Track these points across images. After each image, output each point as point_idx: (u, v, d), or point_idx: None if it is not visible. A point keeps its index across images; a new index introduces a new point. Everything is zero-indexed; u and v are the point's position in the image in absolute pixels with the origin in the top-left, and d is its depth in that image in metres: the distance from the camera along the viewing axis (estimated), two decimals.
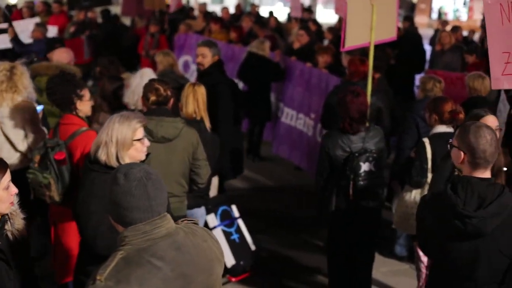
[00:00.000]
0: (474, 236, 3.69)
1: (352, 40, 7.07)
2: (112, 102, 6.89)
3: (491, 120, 5.30)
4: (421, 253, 6.30)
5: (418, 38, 15.32)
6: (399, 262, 7.77)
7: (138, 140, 4.38)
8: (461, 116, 6.15)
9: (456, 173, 5.06)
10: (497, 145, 3.86)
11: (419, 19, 37.85)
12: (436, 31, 18.59)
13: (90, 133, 5.39)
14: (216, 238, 3.23)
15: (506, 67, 5.26)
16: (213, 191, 7.46)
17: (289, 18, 19.99)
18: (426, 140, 6.19)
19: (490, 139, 3.80)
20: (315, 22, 17.23)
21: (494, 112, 5.88)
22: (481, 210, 3.67)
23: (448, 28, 17.58)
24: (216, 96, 7.56)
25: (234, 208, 7.50)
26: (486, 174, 3.83)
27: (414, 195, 6.35)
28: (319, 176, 6.38)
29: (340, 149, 6.17)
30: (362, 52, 8.99)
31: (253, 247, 7.41)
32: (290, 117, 10.89)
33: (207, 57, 7.95)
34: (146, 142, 4.44)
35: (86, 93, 5.63)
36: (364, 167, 6.12)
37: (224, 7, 20.69)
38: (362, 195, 6.17)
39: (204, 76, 7.92)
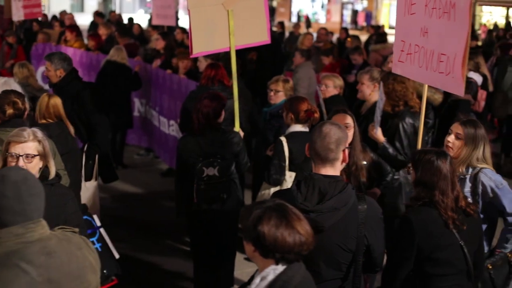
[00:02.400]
0: (314, 231, 3.77)
1: (203, 46, 7.04)
2: None
3: (340, 118, 5.48)
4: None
5: (277, 41, 15.63)
6: None
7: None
8: (316, 115, 6.34)
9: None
10: (341, 143, 3.91)
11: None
12: (291, 33, 19.02)
13: None
14: (94, 248, 3.24)
15: (401, 55, 5.67)
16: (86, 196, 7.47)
17: (150, 24, 19.90)
18: (283, 139, 6.31)
19: (328, 137, 3.87)
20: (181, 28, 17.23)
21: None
22: (319, 205, 3.76)
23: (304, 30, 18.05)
24: (82, 103, 7.56)
25: (95, 217, 7.38)
26: (331, 171, 3.89)
27: (273, 192, 6.45)
28: (177, 179, 6.41)
29: (190, 152, 6.24)
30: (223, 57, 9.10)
31: (117, 255, 7.32)
32: (163, 124, 10.89)
33: (51, 70, 7.78)
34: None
35: None
36: (207, 171, 6.19)
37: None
38: (205, 199, 6.24)
39: (63, 87, 7.76)
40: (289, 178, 6.28)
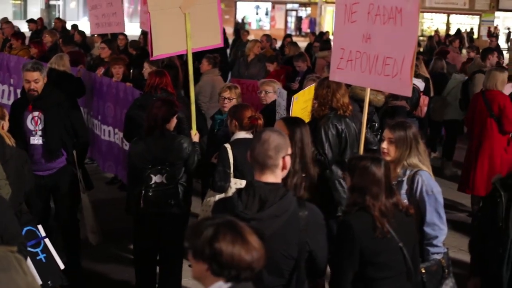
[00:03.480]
0: None
1: (163, 48, 7.14)
2: None
3: (279, 124, 5.51)
4: None
5: (222, 48, 15.64)
6: None
7: None
8: (260, 122, 6.39)
9: None
10: (281, 150, 3.90)
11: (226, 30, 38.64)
12: (234, 40, 19.02)
13: None
14: (27, 267, 2.96)
15: (340, 62, 5.82)
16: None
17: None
18: (227, 146, 6.34)
19: (267, 144, 3.87)
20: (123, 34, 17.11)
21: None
22: (260, 213, 3.77)
23: (251, 37, 18.12)
24: (70, 111, 7.59)
25: (40, 227, 7.29)
26: (271, 178, 3.89)
27: (215, 201, 6.46)
28: (129, 184, 6.40)
29: (139, 158, 6.25)
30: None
31: (62, 266, 7.25)
32: (108, 133, 10.76)
33: (41, 80, 7.42)
34: None
35: None
36: (156, 179, 6.21)
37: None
38: (152, 205, 6.24)
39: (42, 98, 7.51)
40: (234, 185, 6.31)
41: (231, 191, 6.24)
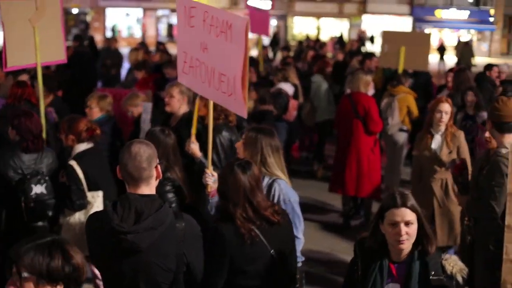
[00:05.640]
0: (131, 252, 3.70)
1: (16, 60, 7.11)
2: None
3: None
4: (96, 271, 6.26)
5: (89, 56, 15.43)
6: None
7: None
8: (98, 132, 6.35)
9: None
10: (152, 160, 3.86)
11: (96, 37, 38.14)
12: (107, 48, 18.67)
13: None
14: None
15: (184, 66, 5.50)
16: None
17: None
18: (73, 163, 6.23)
19: (139, 156, 3.81)
20: None
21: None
22: (136, 225, 3.68)
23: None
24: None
25: None
26: (146, 190, 3.84)
27: (78, 216, 6.33)
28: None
29: (11, 170, 6.06)
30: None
31: None
32: None
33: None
34: None
35: None
36: (36, 189, 6.03)
37: None
38: (35, 216, 6.08)
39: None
40: (92, 198, 6.29)
41: (96, 205, 6.21)
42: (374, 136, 9.56)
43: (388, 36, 12.62)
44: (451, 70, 11.99)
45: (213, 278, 4.26)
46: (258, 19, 13.40)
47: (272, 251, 4.29)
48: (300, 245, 5.18)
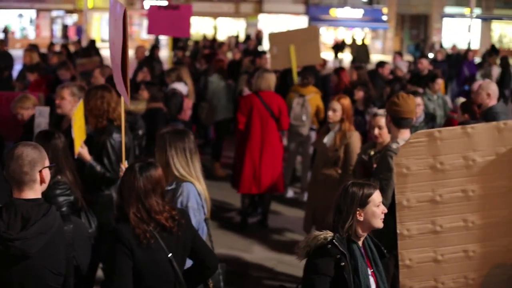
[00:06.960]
0: (20, 258, 3.63)
1: None
2: None
3: None
4: None
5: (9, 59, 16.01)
6: None
7: None
8: None
9: None
10: (36, 164, 3.77)
11: None
12: None
13: None
14: None
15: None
16: None
17: None
18: None
19: (21, 160, 3.72)
20: None
21: None
22: (23, 231, 3.61)
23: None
24: None
25: None
26: (31, 194, 3.76)
27: None
28: None
29: None
30: None
31: None
32: None
33: None
34: None
35: None
36: None
37: None
38: None
39: None
40: None
41: None
42: (279, 133, 9.83)
43: (275, 38, 12.68)
44: (355, 68, 12.35)
45: (120, 278, 4.08)
46: (165, 18, 13.16)
47: (170, 255, 4.19)
48: None
